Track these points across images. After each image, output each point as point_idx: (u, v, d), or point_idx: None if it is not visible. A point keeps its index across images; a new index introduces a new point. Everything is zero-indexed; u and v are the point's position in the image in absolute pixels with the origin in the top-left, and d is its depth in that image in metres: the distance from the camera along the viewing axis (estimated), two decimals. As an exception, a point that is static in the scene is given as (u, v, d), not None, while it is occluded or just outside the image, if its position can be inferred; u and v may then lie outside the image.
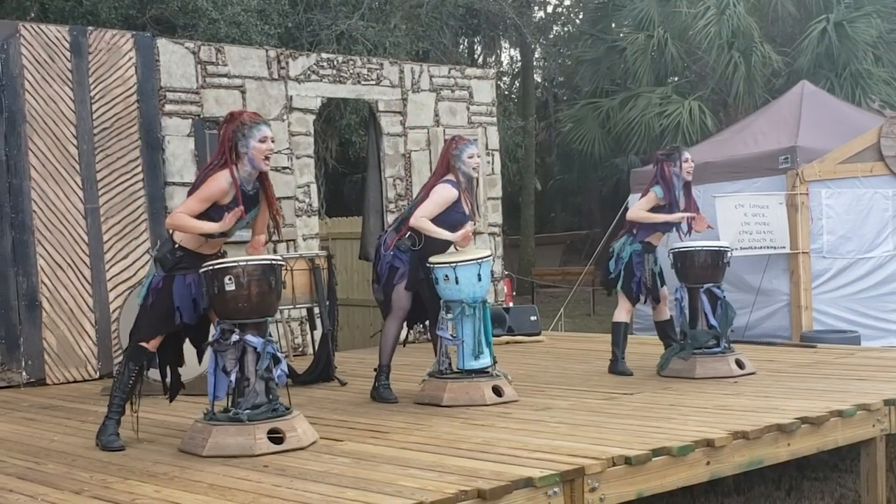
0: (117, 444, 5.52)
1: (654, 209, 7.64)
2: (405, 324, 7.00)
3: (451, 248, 6.89)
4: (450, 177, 6.82)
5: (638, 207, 7.70)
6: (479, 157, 6.92)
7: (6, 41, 8.42)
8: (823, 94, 13.51)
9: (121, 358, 7.64)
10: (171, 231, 5.62)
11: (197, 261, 5.54)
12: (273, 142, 5.60)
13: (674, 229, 7.76)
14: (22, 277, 8.41)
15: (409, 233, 6.79)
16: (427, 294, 6.80)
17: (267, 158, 5.54)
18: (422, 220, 6.71)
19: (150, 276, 5.62)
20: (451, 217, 6.76)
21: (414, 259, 6.77)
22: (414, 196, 7.48)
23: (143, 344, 5.57)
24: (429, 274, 6.73)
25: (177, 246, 5.56)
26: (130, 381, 5.60)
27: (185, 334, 5.77)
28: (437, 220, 6.72)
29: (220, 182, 5.45)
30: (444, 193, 6.75)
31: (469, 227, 6.88)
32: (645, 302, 7.88)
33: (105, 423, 5.63)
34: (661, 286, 7.77)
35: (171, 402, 5.98)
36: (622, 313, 7.79)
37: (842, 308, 11.13)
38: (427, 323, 7.14)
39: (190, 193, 5.59)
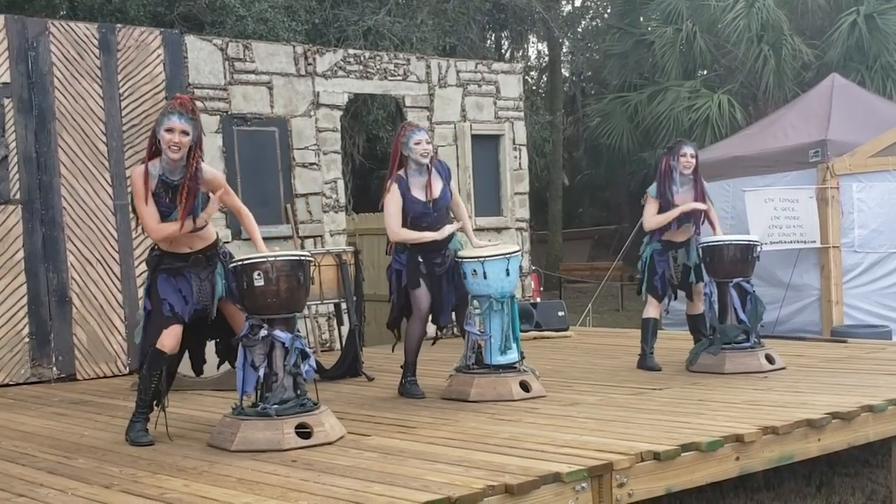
0: (146, 440, 5.54)
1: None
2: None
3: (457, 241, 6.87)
4: (399, 173, 6.75)
5: (648, 216, 7.70)
6: (427, 143, 6.71)
7: (36, 39, 8.48)
8: (854, 87, 13.38)
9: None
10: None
11: (175, 260, 5.62)
12: (184, 134, 5.42)
13: (691, 221, 7.69)
14: (52, 274, 8.48)
15: None
16: (432, 288, 6.78)
17: (172, 149, 5.44)
18: (399, 233, 6.70)
19: (145, 286, 5.72)
20: (412, 210, 6.71)
21: (411, 257, 6.77)
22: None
23: (157, 346, 5.56)
24: (430, 269, 6.74)
25: (153, 249, 5.69)
26: (152, 386, 5.61)
27: (201, 336, 5.82)
28: (408, 221, 6.70)
29: (135, 175, 5.55)
30: (391, 201, 6.69)
31: (450, 227, 6.80)
32: (674, 298, 7.84)
33: (132, 422, 5.66)
34: (697, 281, 7.70)
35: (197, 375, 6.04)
36: (651, 309, 7.77)
37: (873, 303, 11.02)
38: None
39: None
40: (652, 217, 7.67)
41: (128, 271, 8.80)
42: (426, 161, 6.72)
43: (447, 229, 6.76)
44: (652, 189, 7.71)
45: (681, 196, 7.63)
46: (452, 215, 6.98)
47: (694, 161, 7.62)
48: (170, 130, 5.46)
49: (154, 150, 5.57)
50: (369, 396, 7.01)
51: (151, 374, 5.58)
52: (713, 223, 7.77)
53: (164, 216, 5.54)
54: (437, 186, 6.80)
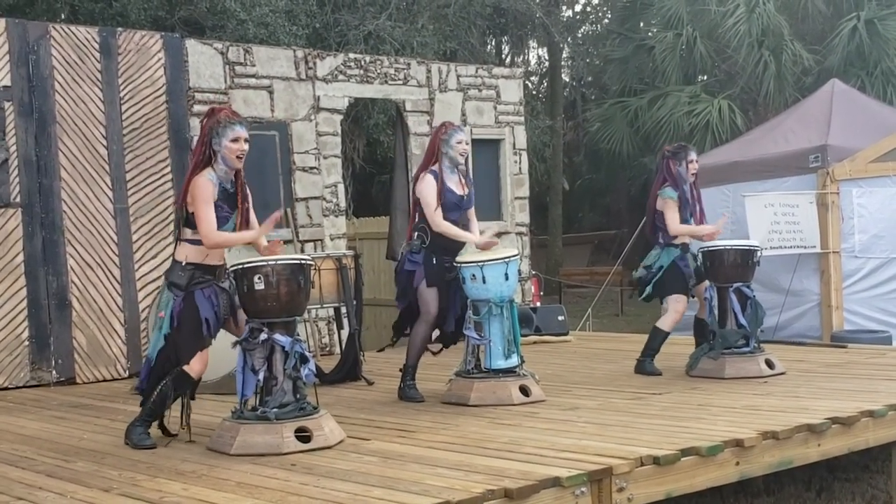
0: (148, 443, 5.54)
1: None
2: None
3: (466, 246, 6.88)
4: (433, 167, 6.81)
5: (672, 222, 7.54)
6: (467, 143, 6.88)
7: (37, 42, 8.49)
8: (854, 93, 13.39)
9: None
10: (173, 255, 5.68)
11: (207, 272, 5.59)
12: (247, 142, 5.58)
13: (690, 220, 7.69)
14: (52, 277, 8.48)
15: (416, 232, 6.80)
16: (444, 291, 6.78)
17: (239, 158, 5.55)
18: (440, 224, 6.71)
19: (168, 303, 5.57)
20: (445, 198, 6.75)
21: (427, 256, 6.77)
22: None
23: (186, 369, 5.53)
24: (442, 272, 6.74)
25: (185, 264, 5.58)
26: (168, 403, 5.61)
27: None
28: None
29: (204, 183, 5.50)
30: (428, 187, 6.75)
31: (491, 237, 6.89)
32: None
33: (135, 424, 5.65)
34: (699, 282, 7.68)
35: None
36: (669, 321, 7.64)
37: (873, 308, 11.02)
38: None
39: (183, 196, 5.59)
40: (677, 222, 7.54)
41: (127, 275, 8.80)
42: (462, 160, 6.86)
43: (486, 235, 6.83)
44: (670, 192, 7.55)
45: (688, 196, 7.64)
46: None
47: (697, 168, 7.68)
48: (236, 140, 5.53)
49: (203, 159, 5.56)
50: (369, 400, 7.01)
51: (175, 394, 5.58)
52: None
53: (225, 221, 5.56)
54: (466, 188, 6.91)
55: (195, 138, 9.03)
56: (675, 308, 7.63)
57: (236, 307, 5.60)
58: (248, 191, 5.73)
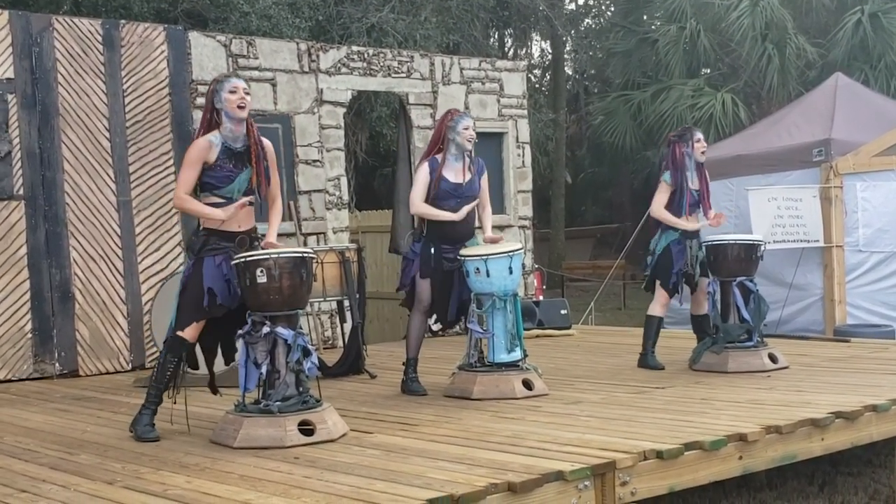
0: (152, 435, 5.54)
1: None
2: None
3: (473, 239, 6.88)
4: (435, 155, 6.83)
5: (657, 203, 7.63)
6: (474, 129, 6.89)
7: (40, 34, 8.48)
8: (858, 87, 13.37)
9: (153, 350, 7.72)
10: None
11: (223, 239, 5.55)
12: (247, 93, 5.58)
13: (699, 208, 7.67)
14: (55, 269, 8.48)
15: (416, 222, 6.84)
16: (437, 284, 6.78)
17: (241, 107, 5.54)
18: (418, 206, 6.77)
19: (185, 265, 5.65)
20: (439, 186, 6.76)
21: (425, 247, 6.78)
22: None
23: (181, 333, 5.56)
24: (439, 263, 6.74)
25: (200, 229, 5.62)
26: (168, 373, 5.60)
27: (226, 327, 5.67)
28: (431, 199, 6.76)
29: (197, 144, 5.55)
30: (420, 175, 6.81)
31: (466, 208, 6.83)
32: (682, 298, 7.80)
33: (141, 413, 5.65)
34: (702, 275, 7.65)
35: (215, 394, 5.97)
36: (657, 307, 7.72)
37: (876, 302, 11.01)
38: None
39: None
40: (661, 206, 7.58)
41: (130, 267, 8.80)
42: (470, 147, 6.84)
43: (463, 210, 6.78)
44: (667, 176, 7.59)
45: (692, 181, 7.60)
46: (477, 215, 7.00)
47: (706, 146, 7.65)
48: (234, 91, 5.54)
49: (210, 124, 5.60)
50: (372, 394, 7.01)
51: (169, 359, 5.58)
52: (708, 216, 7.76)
53: (228, 181, 5.55)
54: (468, 175, 6.88)
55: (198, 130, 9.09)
56: (660, 293, 7.68)
57: None
58: (265, 148, 5.67)
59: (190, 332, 5.57)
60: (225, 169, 5.55)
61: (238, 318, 5.55)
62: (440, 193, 6.76)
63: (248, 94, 5.60)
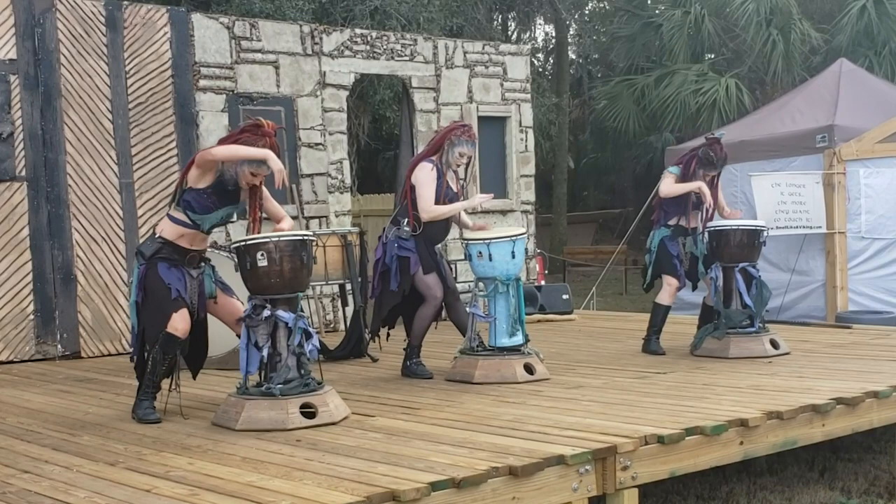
0: (154, 417, 5.56)
1: None
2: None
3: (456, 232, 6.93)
4: (432, 157, 6.83)
5: (666, 184, 7.62)
6: (470, 158, 6.89)
7: (42, 15, 8.46)
8: (861, 73, 13.32)
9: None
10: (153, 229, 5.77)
11: (176, 253, 5.61)
12: (261, 179, 5.62)
13: (700, 208, 7.64)
14: (57, 251, 8.48)
15: (406, 220, 6.79)
16: (441, 277, 6.83)
17: (249, 185, 5.61)
18: (433, 210, 6.73)
19: (134, 271, 5.68)
20: (444, 193, 6.79)
21: (420, 243, 6.78)
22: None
23: (169, 330, 5.55)
24: (436, 257, 6.80)
25: (157, 237, 5.66)
26: (163, 369, 5.62)
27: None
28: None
29: (205, 157, 5.56)
30: (427, 177, 6.75)
31: (481, 197, 7.05)
32: (693, 289, 7.79)
33: (140, 399, 5.67)
34: (707, 272, 7.63)
35: (195, 378, 6.05)
36: (665, 296, 7.70)
37: (878, 289, 11.00)
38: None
39: (184, 173, 5.69)
40: (670, 185, 7.56)
41: (132, 250, 8.78)
42: (458, 169, 6.89)
43: (477, 199, 6.96)
44: (675, 169, 7.60)
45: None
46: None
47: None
48: (255, 175, 5.55)
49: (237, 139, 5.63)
50: (373, 377, 7.02)
51: (164, 357, 5.59)
52: (722, 209, 7.73)
53: (207, 211, 5.61)
54: (458, 184, 6.97)
55: (201, 113, 9.08)
56: (668, 282, 7.68)
57: (205, 299, 5.66)
58: (264, 198, 5.70)
59: (179, 326, 5.56)
60: (210, 199, 5.59)
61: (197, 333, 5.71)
62: (438, 200, 6.78)
63: (262, 179, 5.62)
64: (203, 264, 5.74)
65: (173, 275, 5.59)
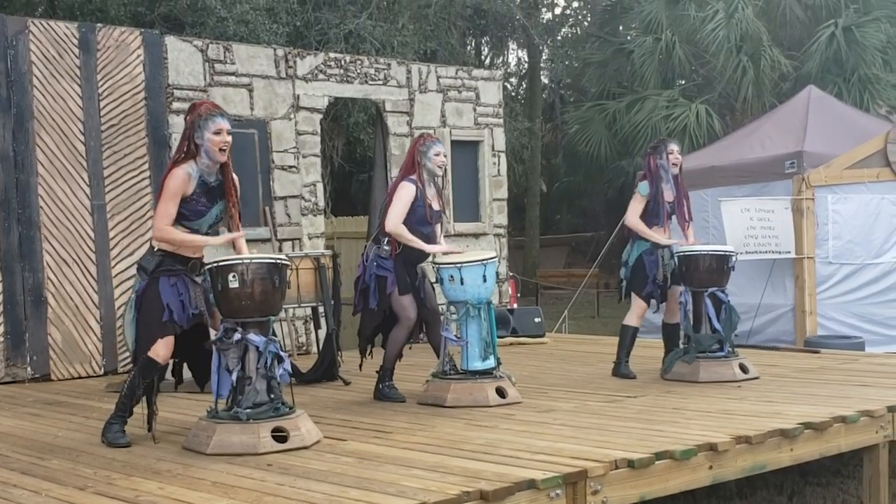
0: (123, 441, 5.52)
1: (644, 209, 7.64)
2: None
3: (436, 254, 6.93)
4: (412, 175, 6.88)
5: (632, 213, 7.68)
6: (445, 156, 7.01)
7: (15, 37, 8.44)
8: (830, 99, 13.50)
9: (126, 354, 7.68)
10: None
11: (177, 262, 5.58)
12: (229, 134, 5.57)
13: (672, 222, 7.72)
14: (28, 273, 8.43)
15: (386, 239, 6.83)
16: (419, 298, 6.86)
17: (222, 150, 5.54)
18: (397, 227, 6.78)
19: (136, 286, 5.62)
20: (416, 214, 6.82)
21: (398, 264, 6.81)
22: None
23: (151, 355, 5.51)
24: (415, 278, 6.82)
25: (156, 250, 5.61)
26: (138, 392, 5.57)
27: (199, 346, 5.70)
28: (409, 222, 6.80)
29: (177, 175, 5.50)
30: (405, 193, 6.82)
31: (451, 247, 7.05)
32: (659, 305, 7.85)
33: (110, 422, 5.62)
34: (672, 284, 7.69)
35: (202, 390, 5.94)
36: (632, 317, 7.76)
37: (847, 314, 11.12)
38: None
39: (158, 194, 5.63)
40: (636, 216, 7.64)
41: (104, 272, 8.77)
42: (440, 173, 6.95)
43: (437, 247, 6.90)
44: (643, 187, 7.64)
45: (667, 192, 7.65)
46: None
47: (680, 158, 7.70)
48: (218, 132, 5.51)
49: (187, 153, 5.55)
50: (346, 401, 7.01)
51: (141, 381, 5.54)
52: (687, 235, 7.80)
53: (200, 215, 5.56)
54: (439, 201, 7.02)
55: (174, 135, 9.08)
56: (636, 303, 7.72)
57: (212, 304, 5.57)
58: (236, 184, 5.70)
59: (161, 352, 5.51)
60: (200, 203, 5.57)
61: (197, 339, 5.63)
62: (419, 218, 6.83)
63: (230, 134, 5.59)
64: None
65: (174, 292, 5.52)
